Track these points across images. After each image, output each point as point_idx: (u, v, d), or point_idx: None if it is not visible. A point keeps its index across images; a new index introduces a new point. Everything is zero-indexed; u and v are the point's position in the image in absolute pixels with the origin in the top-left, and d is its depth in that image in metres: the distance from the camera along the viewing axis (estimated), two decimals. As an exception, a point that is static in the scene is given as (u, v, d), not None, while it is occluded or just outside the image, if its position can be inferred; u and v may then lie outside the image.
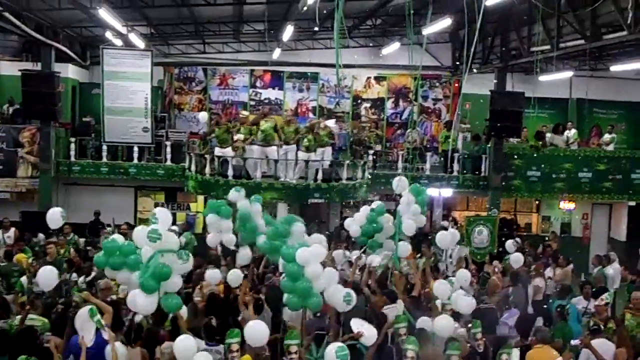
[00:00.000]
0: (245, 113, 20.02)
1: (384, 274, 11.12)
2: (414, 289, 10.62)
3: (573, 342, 8.55)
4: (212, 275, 10.52)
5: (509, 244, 14.37)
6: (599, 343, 8.67)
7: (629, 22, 12.76)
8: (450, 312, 9.27)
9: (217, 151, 18.00)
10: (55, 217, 10.66)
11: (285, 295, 8.70)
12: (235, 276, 10.34)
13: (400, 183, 12.16)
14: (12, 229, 16.00)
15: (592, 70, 21.82)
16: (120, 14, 16.61)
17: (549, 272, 14.17)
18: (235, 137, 17.81)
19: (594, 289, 11.79)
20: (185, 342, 7.10)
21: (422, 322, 8.91)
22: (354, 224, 12.46)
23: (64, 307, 9.25)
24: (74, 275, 12.18)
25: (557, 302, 11.06)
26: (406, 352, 7.59)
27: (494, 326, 10.05)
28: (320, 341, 8.14)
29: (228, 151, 17.79)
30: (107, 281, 10.41)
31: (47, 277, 8.81)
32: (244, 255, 11.31)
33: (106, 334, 7.58)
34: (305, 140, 17.40)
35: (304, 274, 8.33)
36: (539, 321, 9.89)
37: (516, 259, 12.58)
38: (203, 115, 20.30)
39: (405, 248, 11.92)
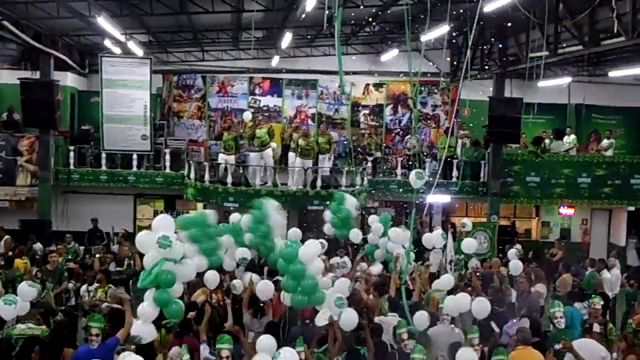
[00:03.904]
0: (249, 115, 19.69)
1: (383, 280, 11.12)
2: (414, 294, 10.64)
3: (556, 346, 8.45)
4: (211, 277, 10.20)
5: (511, 252, 14.32)
6: (585, 343, 8.51)
7: (618, 27, 12.79)
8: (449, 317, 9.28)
9: (221, 157, 17.99)
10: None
11: (288, 295, 8.72)
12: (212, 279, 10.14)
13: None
14: (5, 238, 15.94)
15: (590, 75, 21.87)
16: (118, 22, 16.64)
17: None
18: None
19: (593, 295, 11.74)
20: None
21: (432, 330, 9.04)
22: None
23: (65, 316, 9.27)
24: (72, 284, 12.22)
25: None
26: None
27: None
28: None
29: (231, 158, 17.79)
30: (115, 289, 10.62)
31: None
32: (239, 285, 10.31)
33: None
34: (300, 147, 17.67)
35: (307, 272, 8.37)
36: (525, 322, 9.74)
37: (515, 267, 12.54)
38: (247, 115, 19.79)
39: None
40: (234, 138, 17.87)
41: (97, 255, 14.21)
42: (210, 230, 10.12)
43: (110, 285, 11.38)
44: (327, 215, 13.01)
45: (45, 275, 12.37)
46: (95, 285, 11.66)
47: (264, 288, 9.60)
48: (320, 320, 8.56)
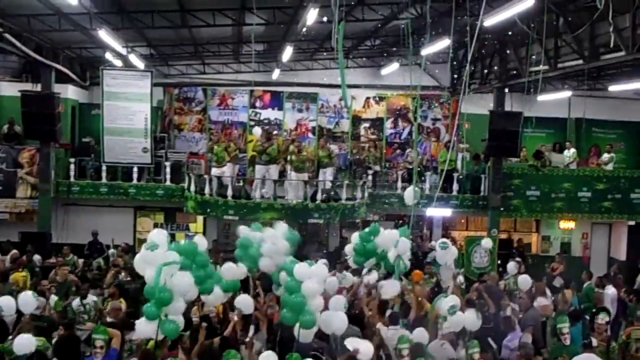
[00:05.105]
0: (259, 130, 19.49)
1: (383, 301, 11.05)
2: (412, 311, 10.53)
3: None
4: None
5: (511, 265, 14.26)
6: (584, 358, 8.43)
7: (617, 41, 12.81)
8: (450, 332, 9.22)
9: (214, 171, 17.96)
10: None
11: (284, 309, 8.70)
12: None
13: (410, 194, 11.81)
14: (11, 253, 15.83)
15: (590, 90, 21.85)
16: (120, 35, 16.70)
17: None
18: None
19: (594, 310, 11.70)
20: None
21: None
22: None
23: (66, 329, 9.25)
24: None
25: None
26: None
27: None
28: None
29: (223, 170, 17.79)
30: (116, 302, 10.71)
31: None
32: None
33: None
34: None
35: (300, 289, 8.32)
36: (527, 337, 9.68)
37: (524, 281, 12.48)
38: (257, 131, 19.73)
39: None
40: (224, 149, 17.87)
41: (113, 270, 14.09)
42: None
43: (121, 299, 11.26)
44: (354, 236, 12.47)
45: (55, 287, 12.34)
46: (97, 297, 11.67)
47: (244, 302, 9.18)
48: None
